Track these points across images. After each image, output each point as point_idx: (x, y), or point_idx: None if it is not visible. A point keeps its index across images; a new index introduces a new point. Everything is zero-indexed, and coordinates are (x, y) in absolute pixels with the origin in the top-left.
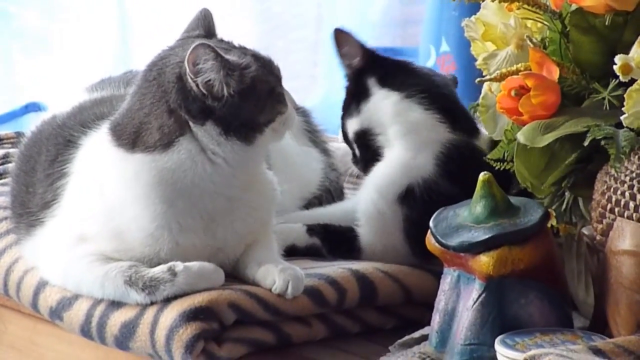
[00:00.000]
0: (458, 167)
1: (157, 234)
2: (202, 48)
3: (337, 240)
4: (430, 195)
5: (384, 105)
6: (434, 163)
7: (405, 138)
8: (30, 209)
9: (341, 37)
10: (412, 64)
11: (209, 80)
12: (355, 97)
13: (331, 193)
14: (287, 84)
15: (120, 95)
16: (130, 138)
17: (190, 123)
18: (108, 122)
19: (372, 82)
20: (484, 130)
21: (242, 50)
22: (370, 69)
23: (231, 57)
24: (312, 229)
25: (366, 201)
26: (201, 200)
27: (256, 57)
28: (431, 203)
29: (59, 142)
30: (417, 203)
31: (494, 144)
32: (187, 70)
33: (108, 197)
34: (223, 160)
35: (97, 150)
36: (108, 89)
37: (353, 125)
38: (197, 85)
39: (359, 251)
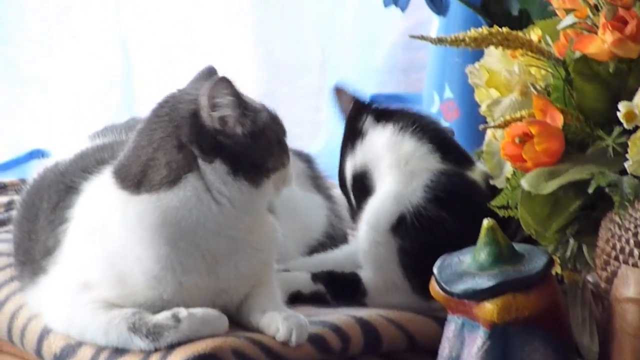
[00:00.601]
0: (447, 194)
1: (161, 276)
2: (224, 83)
3: (341, 286)
4: (420, 222)
5: (379, 138)
6: (422, 190)
7: (397, 169)
8: (33, 256)
9: (338, 93)
10: (403, 107)
11: (225, 116)
12: (351, 140)
13: (335, 239)
14: (290, 129)
15: (122, 142)
16: (135, 179)
17: (199, 159)
18: (111, 166)
19: (367, 122)
20: (480, 165)
21: (252, 99)
22: (364, 112)
23: (247, 99)
24: (316, 276)
25: (362, 237)
26: (205, 240)
27: (265, 107)
28: (422, 230)
29: (60, 188)
30: (409, 231)
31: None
32: (205, 102)
33: (110, 241)
34: (228, 200)
35: (99, 194)
36: (110, 135)
37: (350, 168)
38: (212, 120)
39: (364, 294)
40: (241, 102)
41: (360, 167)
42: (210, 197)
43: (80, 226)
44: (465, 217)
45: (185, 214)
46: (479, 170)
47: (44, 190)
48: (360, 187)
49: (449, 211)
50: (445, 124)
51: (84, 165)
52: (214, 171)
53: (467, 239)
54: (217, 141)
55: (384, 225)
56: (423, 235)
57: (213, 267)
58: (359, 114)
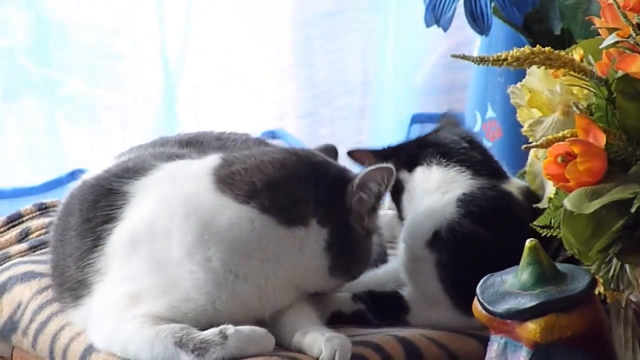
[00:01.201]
0: (480, 208)
1: (222, 279)
2: (387, 173)
3: (382, 304)
4: (456, 237)
5: (414, 185)
6: (455, 205)
7: (428, 194)
8: (67, 271)
9: (357, 155)
10: (420, 136)
11: (365, 201)
12: (395, 195)
13: (376, 259)
14: None
15: (147, 153)
16: (251, 189)
17: (316, 219)
18: (211, 171)
19: (400, 174)
20: (514, 180)
21: None
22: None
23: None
24: (357, 296)
25: (401, 254)
26: (271, 267)
27: None
28: (457, 245)
29: (96, 191)
30: (445, 246)
31: (527, 191)
32: (359, 180)
33: (175, 241)
34: (306, 261)
35: (168, 198)
36: (136, 152)
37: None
38: (352, 196)
39: (406, 311)
40: (382, 199)
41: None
42: (299, 248)
43: (129, 228)
44: (502, 231)
45: (276, 248)
46: (515, 183)
47: (72, 206)
48: None
49: (485, 226)
50: (487, 144)
51: (119, 170)
52: (318, 235)
53: (506, 253)
54: (340, 216)
55: (420, 241)
56: (459, 250)
57: (266, 287)
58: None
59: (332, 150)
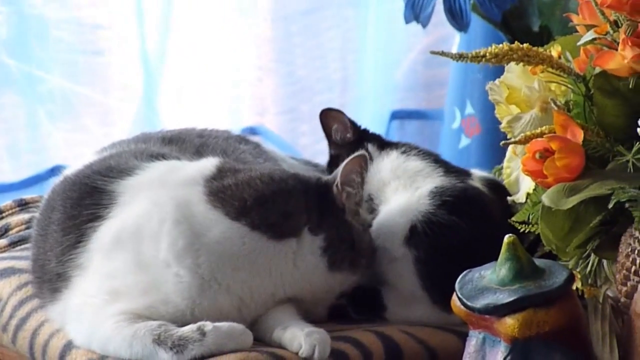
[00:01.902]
0: (453, 197)
1: (207, 286)
2: (363, 161)
3: (362, 300)
4: (432, 229)
5: (384, 164)
6: (428, 197)
7: (402, 188)
8: (48, 265)
9: (331, 115)
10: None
11: (352, 193)
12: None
13: None
14: (312, 146)
15: (129, 150)
16: (241, 206)
17: (307, 228)
18: (204, 180)
19: (371, 149)
20: (475, 172)
21: None
22: (364, 139)
23: None
24: None
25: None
26: (260, 282)
27: None
28: (435, 237)
29: (80, 189)
30: (423, 241)
31: (490, 184)
32: (339, 178)
33: (163, 245)
34: (302, 272)
35: (160, 200)
36: (117, 148)
37: None
38: (340, 194)
39: (384, 308)
40: (362, 187)
41: (365, 193)
42: (293, 261)
43: (115, 227)
44: (476, 221)
45: (267, 263)
46: (477, 177)
47: (54, 201)
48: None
49: (459, 215)
50: (466, 140)
51: (103, 168)
52: (310, 243)
53: (482, 243)
54: (334, 218)
55: (397, 239)
56: (437, 243)
57: (248, 300)
58: (360, 140)
59: None
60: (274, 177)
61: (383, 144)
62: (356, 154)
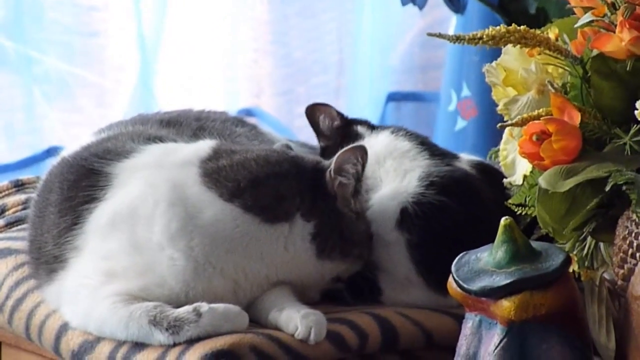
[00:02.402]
0: (442, 178)
1: (201, 270)
2: (359, 152)
3: (359, 284)
4: (423, 210)
5: (377, 140)
6: (417, 180)
7: (394, 172)
8: (46, 251)
9: (316, 108)
10: None
11: (345, 184)
12: (344, 145)
13: None
14: (307, 129)
15: (126, 133)
16: (235, 188)
17: (299, 214)
18: (199, 161)
19: (361, 129)
20: (463, 156)
21: None
22: (353, 123)
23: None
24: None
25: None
26: (254, 265)
27: None
28: (426, 219)
29: (77, 171)
30: (414, 223)
31: (479, 166)
32: (334, 165)
33: (157, 227)
34: (291, 257)
35: (155, 181)
36: (115, 129)
37: None
38: (332, 182)
39: (380, 292)
40: (361, 179)
41: None
42: (284, 245)
43: (111, 208)
44: (465, 201)
45: (259, 246)
46: (465, 161)
47: (52, 183)
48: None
49: (448, 195)
50: (462, 122)
51: (100, 151)
52: (302, 228)
53: (471, 226)
54: (326, 205)
55: (388, 224)
56: (428, 225)
57: (243, 283)
58: (348, 125)
59: (290, 149)
60: (269, 159)
61: (372, 126)
62: (354, 144)
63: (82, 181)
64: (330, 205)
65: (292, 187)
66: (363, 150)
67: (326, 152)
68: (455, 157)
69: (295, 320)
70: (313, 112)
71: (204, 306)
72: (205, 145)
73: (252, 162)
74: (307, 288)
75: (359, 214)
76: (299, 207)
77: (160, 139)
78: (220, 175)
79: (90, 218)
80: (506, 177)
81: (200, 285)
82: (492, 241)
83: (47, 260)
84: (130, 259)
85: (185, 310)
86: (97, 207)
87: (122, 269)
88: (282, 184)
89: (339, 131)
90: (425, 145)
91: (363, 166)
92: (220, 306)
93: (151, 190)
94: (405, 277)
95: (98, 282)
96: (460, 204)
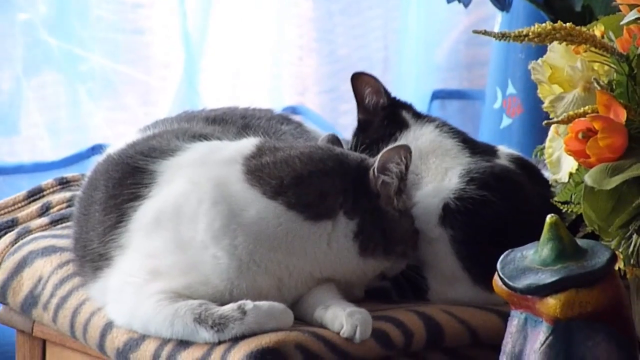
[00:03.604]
0: (482, 174)
1: (245, 268)
2: (404, 151)
3: (405, 282)
4: (465, 205)
5: (423, 133)
6: (458, 177)
7: (435, 168)
8: (90, 245)
9: (363, 79)
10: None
11: (388, 183)
12: (389, 130)
13: None
14: (353, 124)
15: (172, 130)
16: (278, 185)
17: (342, 211)
18: (242, 158)
19: (407, 115)
20: (501, 149)
21: None
22: (398, 106)
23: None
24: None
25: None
26: (297, 261)
27: None
28: (468, 214)
29: (122, 169)
30: (457, 218)
31: (516, 160)
32: (378, 163)
33: (201, 226)
34: (334, 254)
35: (200, 180)
36: (161, 127)
37: None
38: (376, 181)
39: (426, 290)
40: (405, 178)
41: None
42: (327, 243)
43: (155, 206)
44: (507, 195)
45: (302, 244)
46: (504, 155)
47: (97, 181)
48: None
49: (490, 190)
50: (508, 120)
51: (146, 148)
52: (345, 226)
53: (514, 220)
54: (368, 203)
55: (432, 220)
56: (471, 219)
57: (287, 281)
58: (393, 107)
59: (337, 140)
60: (313, 156)
61: (417, 114)
62: (399, 144)
63: (127, 179)
64: (373, 204)
65: (335, 185)
66: (407, 150)
67: (364, 127)
68: (494, 151)
69: (341, 318)
70: (360, 83)
71: (248, 304)
72: (249, 143)
73: (295, 160)
74: (351, 285)
75: (403, 212)
76: (342, 204)
77: (205, 137)
78: (263, 172)
79: (134, 216)
80: (541, 172)
81: (245, 283)
82: (535, 234)
83: (92, 258)
84: (175, 257)
85: (230, 308)
86: (142, 204)
87: (167, 267)
88: (325, 182)
89: (384, 111)
90: (467, 143)
91: (407, 166)
92: (265, 304)
93: (195, 188)
94: (451, 273)
95: (143, 280)
96: (502, 198)
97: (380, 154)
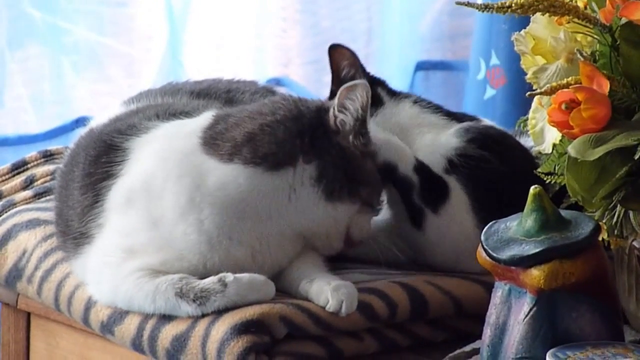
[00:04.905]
0: (479, 135)
1: (215, 242)
2: (361, 89)
3: (430, 184)
4: (468, 162)
5: (400, 110)
6: (455, 135)
7: (428, 131)
8: (72, 224)
9: (341, 52)
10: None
11: (346, 121)
12: None
13: None
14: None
15: (156, 105)
16: (233, 146)
17: (300, 157)
18: (200, 130)
19: (382, 92)
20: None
21: None
22: (373, 82)
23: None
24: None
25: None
26: (267, 225)
27: None
28: (471, 169)
29: (97, 146)
30: (461, 170)
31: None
32: (336, 101)
33: (167, 202)
34: (300, 204)
35: (164, 155)
36: (144, 100)
37: None
38: (334, 120)
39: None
40: (364, 118)
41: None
42: (290, 193)
43: (126, 185)
44: (505, 155)
45: (268, 200)
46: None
47: (78, 155)
48: None
49: (490, 151)
50: (491, 91)
51: (123, 126)
52: (304, 172)
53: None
54: (326, 143)
55: (436, 169)
56: (474, 175)
57: (261, 249)
58: (369, 83)
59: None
60: (262, 110)
61: (391, 91)
62: (356, 81)
63: (101, 157)
64: (333, 143)
65: (289, 131)
66: (365, 88)
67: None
68: (479, 121)
69: (327, 292)
70: (337, 55)
71: (229, 276)
72: (208, 115)
73: (245, 119)
74: (326, 239)
75: (365, 153)
76: (300, 148)
77: (187, 114)
78: (217, 140)
79: (109, 195)
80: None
81: (217, 256)
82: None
83: (74, 235)
84: (149, 235)
85: (210, 281)
86: (115, 183)
87: (141, 245)
88: (278, 130)
89: None
90: (451, 115)
91: (364, 103)
92: (245, 276)
93: (160, 164)
94: (462, 207)
95: (119, 259)
96: (502, 161)
97: (339, 91)
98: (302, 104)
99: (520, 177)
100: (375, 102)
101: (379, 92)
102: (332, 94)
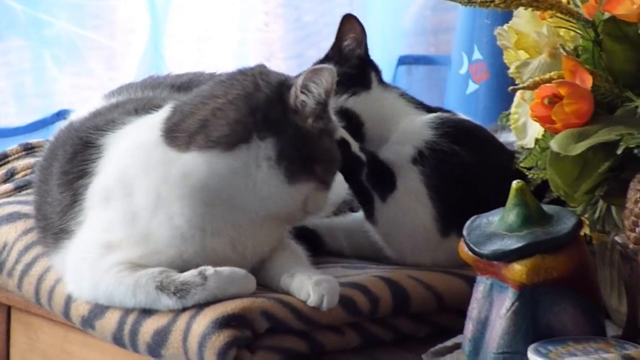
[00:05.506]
0: (452, 128)
1: (188, 235)
2: (328, 74)
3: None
4: (438, 156)
5: (385, 99)
6: (428, 127)
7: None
8: (52, 219)
9: (353, 25)
10: None
11: (307, 103)
12: (351, 82)
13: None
14: None
15: (137, 99)
16: (189, 133)
17: (254, 133)
18: (161, 122)
19: (373, 77)
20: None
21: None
22: (370, 65)
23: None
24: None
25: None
26: (235, 212)
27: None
28: (438, 162)
29: (75, 143)
30: (429, 162)
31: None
32: (301, 81)
33: (138, 198)
34: (260, 182)
35: (126, 149)
36: (125, 94)
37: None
38: (295, 99)
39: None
40: (327, 102)
41: (355, 110)
42: (249, 172)
43: (102, 183)
44: (478, 150)
45: (228, 183)
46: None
47: (57, 150)
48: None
49: (460, 145)
50: (474, 85)
51: (100, 122)
52: (260, 150)
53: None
54: (283, 120)
55: (403, 159)
56: (443, 168)
57: (238, 237)
58: (366, 63)
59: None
60: (215, 92)
61: (382, 81)
62: (324, 65)
63: (77, 155)
64: (289, 121)
65: (242, 110)
66: (331, 74)
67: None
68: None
69: (308, 287)
70: (348, 25)
71: (209, 269)
72: (168, 106)
73: (198, 105)
74: (285, 216)
75: (323, 131)
76: (253, 125)
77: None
78: (174, 130)
79: (86, 194)
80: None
81: (192, 249)
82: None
83: (54, 231)
84: (125, 230)
85: (191, 274)
86: (92, 182)
87: (120, 240)
88: (229, 111)
89: (354, 61)
90: (431, 110)
91: (328, 89)
92: (226, 269)
93: (129, 160)
94: (416, 197)
95: (98, 254)
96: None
97: (305, 72)
98: (262, 77)
99: (492, 171)
100: (363, 84)
101: (371, 76)
102: (326, 58)
